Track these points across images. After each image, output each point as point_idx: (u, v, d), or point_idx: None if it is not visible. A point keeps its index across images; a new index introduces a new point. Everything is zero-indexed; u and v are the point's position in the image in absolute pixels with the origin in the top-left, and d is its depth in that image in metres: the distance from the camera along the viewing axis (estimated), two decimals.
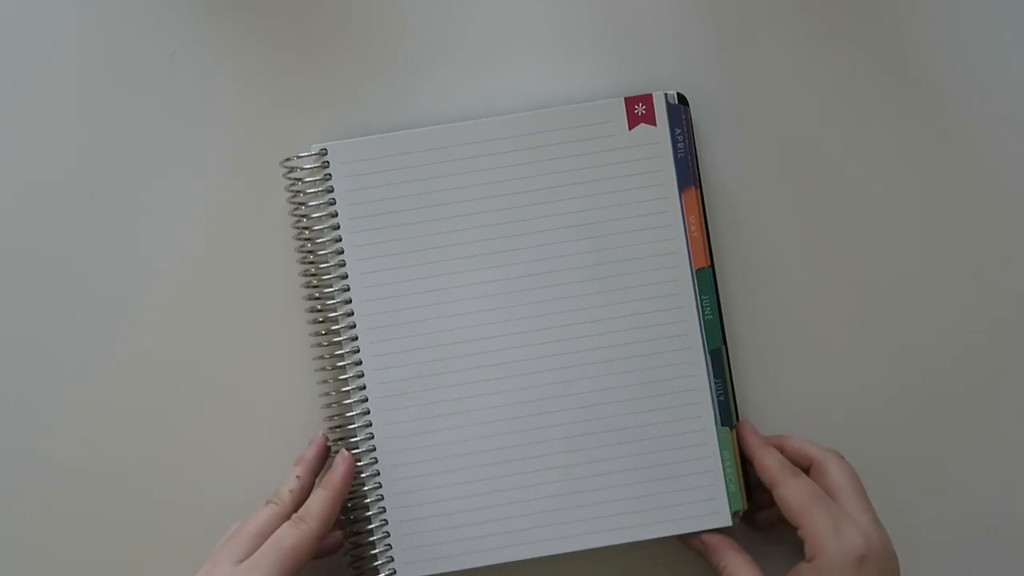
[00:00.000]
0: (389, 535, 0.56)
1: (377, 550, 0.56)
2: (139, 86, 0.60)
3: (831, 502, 0.53)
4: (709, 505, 0.56)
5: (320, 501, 0.54)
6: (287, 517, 0.53)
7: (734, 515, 0.56)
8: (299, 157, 0.57)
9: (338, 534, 0.57)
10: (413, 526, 0.56)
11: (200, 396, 0.59)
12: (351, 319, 0.56)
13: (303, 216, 0.57)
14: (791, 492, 0.53)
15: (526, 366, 0.56)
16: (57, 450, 0.58)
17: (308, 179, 0.57)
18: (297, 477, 0.55)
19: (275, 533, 0.52)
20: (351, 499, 0.56)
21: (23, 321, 0.59)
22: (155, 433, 0.58)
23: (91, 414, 0.59)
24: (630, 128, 0.57)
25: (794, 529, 0.53)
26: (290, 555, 0.51)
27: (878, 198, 0.59)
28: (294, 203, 0.57)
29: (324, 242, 0.57)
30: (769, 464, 0.55)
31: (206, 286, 0.59)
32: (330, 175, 0.57)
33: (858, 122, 0.59)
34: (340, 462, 0.55)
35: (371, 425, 0.56)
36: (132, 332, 0.59)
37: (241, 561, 0.51)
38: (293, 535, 0.52)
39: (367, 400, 0.56)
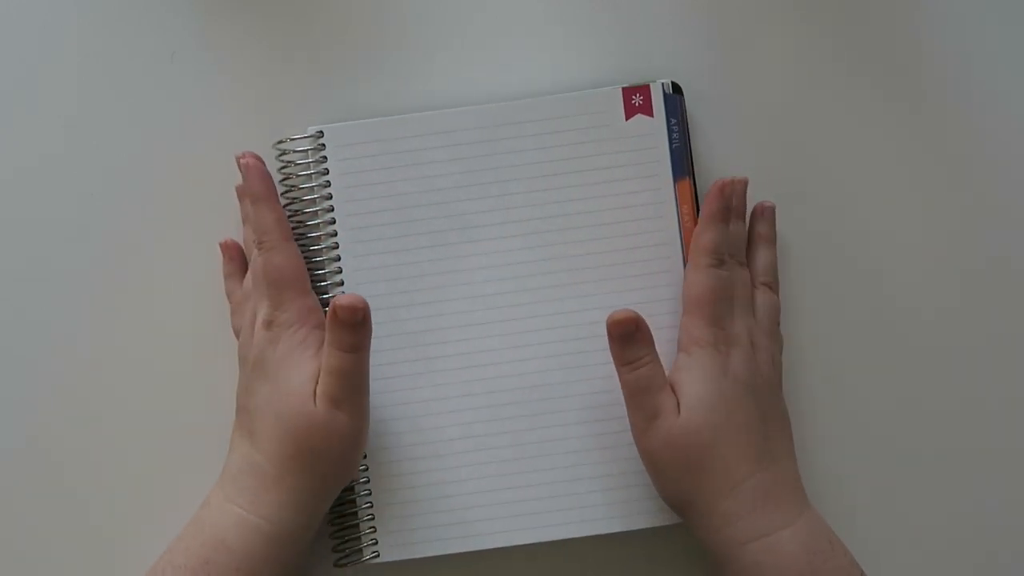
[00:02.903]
0: (374, 518, 0.55)
1: (361, 532, 0.55)
2: (139, 86, 0.60)
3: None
4: None
5: (264, 213, 0.55)
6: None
7: None
8: (292, 139, 0.57)
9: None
10: (398, 509, 0.55)
11: (198, 382, 0.58)
12: None
13: (295, 199, 0.57)
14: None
15: (518, 352, 0.56)
16: (56, 446, 0.58)
17: (301, 161, 0.57)
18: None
19: (251, 267, 0.55)
20: None
21: (22, 321, 0.59)
22: (153, 424, 0.58)
23: (92, 408, 0.59)
24: (627, 118, 0.56)
25: None
26: (276, 272, 0.53)
27: (870, 189, 0.59)
28: (286, 185, 0.57)
29: (317, 224, 0.57)
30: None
31: (206, 285, 0.59)
32: (325, 157, 0.57)
33: (851, 112, 0.59)
34: (244, 167, 0.56)
35: None
36: (131, 328, 0.59)
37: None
38: (265, 256, 0.54)
39: None
